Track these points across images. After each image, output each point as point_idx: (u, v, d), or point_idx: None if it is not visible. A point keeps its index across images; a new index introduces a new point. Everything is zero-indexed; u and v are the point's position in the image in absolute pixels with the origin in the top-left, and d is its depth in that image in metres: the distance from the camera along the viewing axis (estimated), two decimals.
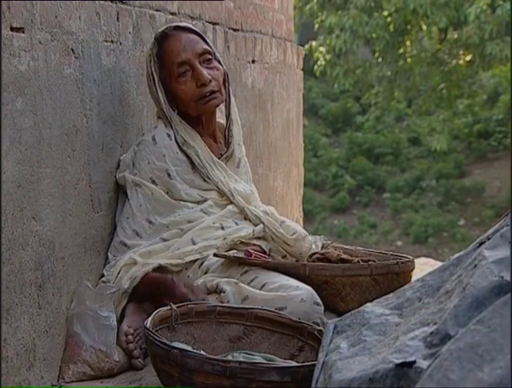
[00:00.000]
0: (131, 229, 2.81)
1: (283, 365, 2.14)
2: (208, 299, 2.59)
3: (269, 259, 2.79)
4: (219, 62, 2.90)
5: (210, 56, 2.87)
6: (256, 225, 2.90)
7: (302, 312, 2.47)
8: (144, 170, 2.83)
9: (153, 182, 2.83)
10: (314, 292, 2.53)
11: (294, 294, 2.51)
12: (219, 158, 2.95)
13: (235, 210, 2.91)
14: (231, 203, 2.92)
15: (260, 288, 2.59)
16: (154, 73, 2.86)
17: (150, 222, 2.81)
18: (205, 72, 2.83)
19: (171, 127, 2.88)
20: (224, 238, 2.83)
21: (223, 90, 2.89)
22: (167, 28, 2.88)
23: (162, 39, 2.86)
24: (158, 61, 2.86)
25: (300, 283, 2.58)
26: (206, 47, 2.88)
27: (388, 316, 1.99)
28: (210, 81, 2.83)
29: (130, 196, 2.83)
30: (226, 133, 2.97)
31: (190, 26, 2.93)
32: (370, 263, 2.71)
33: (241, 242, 2.84)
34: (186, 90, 2.84)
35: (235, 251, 2.82)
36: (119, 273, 2.73)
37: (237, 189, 2.94)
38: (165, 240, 2.78)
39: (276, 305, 2.48)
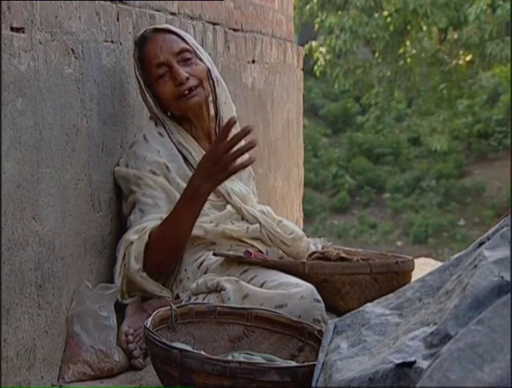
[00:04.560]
0: (137, 209, 2.79)
1: (283, 365, 2.14)
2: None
3: (268, 258, 2.79)
4: (200, 60, 2.88)
5: (189, 55, 2.85)
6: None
7: (302, 309, 2.47)
8: (142, 166, 2.82)
9: (154, 173, 2.82)
10: (314, 288, 2.53)
11: (294, 291, 2.51)
12: None
13: (233, 211, 2.91)
14: (227, 203, 2.91)
15: (260, 287, 2.58)
16: (139, 77, 2.86)
17: (156, 204, 2.80)
18: (182, 70, 2.82)
19: (164, 127, 2.88)
20: (216, 225, 2.84)
21: (205, 85, 2.87)
22: (145, 31, 2.87)
23: (141, 42, 2.86)
24: (141, 65, 2.86)
25: (299, 280, 2.57)
26: (184, 45, 2.86)
27: (388, 316, 1.99)
28: (188, 78, 2.82)
29: (133, 190, 2.80)
30: (217, 132, 2.94)
31: (169, 27, 2.91)
32: (369, 261, 2.71)
33: (240, 241, 2.84)
34: (165, 90, 2.84)
35: (234, 252, 2.82)
36: (124, 256, 2.74)
37: (234, 189, 2.93)
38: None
39: (276, 303, 2.48)
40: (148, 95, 2.87)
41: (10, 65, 2.20)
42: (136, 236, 2.73)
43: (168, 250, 2.75)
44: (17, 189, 2.23)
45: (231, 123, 2.62)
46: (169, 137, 2.88)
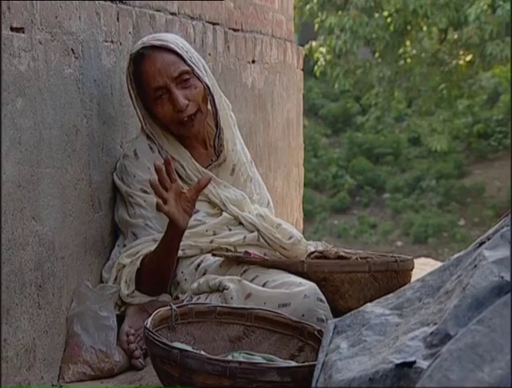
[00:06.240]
0: (130, 232, 2.81)
1: (283, 365, 2.14)
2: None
3: (267, 257, 2.79)
4: (198, 78, 2.82)
5: (187, 76, 2.80)
6: (251, 232, 2.88)
7: (306, 308, 2.46)
8: (132, 183, 2.82)
9: (144, 191, 2.82)
10: (317, 288, 2.52)
11: (297, 290, 2.50)
12: (209, 165, 2.92)
13: (229, 217, 2.89)
14: (223, 211, 2.90)
15: (262, 287, 2.58)
16: (131, 91, 2.83)
17: (147, 225, 2.81)
18: (181, 97, 2.77)
19: (153, 140, 2.87)
20: (211, 242, 2.83)
21: (203, 107, 2.84)
22: (142, 48, 2.80)
23: (138, 59, 2.80)
24: (135, 80, 2.82)
25: (302, 279, 2.56)
26: (183, 68, 2.80)
27: (388, 316, 1.99)
28: (187, 105, 2.79)
29: (126, 206, 2.83)
30: (216, 143, 2.92)
31: (167, 44, 2.81)
32: (368, 259, 2.71)
33: (231, 251, 2.84)
34: (163, 112, 2.81)
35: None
36: (116, 278, 2.76)
37: (228, 197, 2.91)
38: (155, 241, 2.78)
39: (280, 302, 2.48)
40: (137, 109, 2.85)
41: (10, 65, 2.20)
42: (129, 260, 2.75)
43: (158, 275, 2.76)
44: (17, 189, 2.23)
45: (167, 161, 2.63)
46: (159, 153, 2.86)
